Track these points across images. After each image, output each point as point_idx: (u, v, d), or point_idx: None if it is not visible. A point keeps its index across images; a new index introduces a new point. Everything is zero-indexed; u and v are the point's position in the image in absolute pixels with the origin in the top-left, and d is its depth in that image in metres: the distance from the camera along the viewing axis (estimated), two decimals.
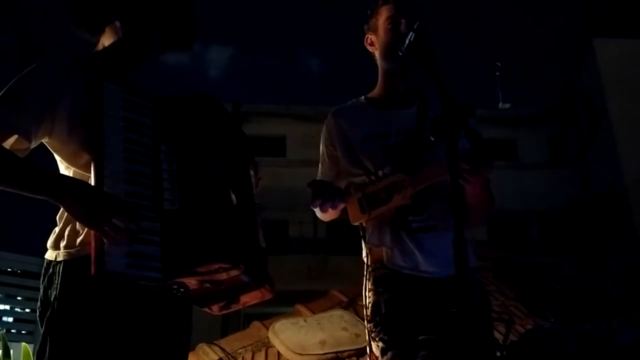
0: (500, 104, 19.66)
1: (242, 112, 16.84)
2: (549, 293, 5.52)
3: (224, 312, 1.63)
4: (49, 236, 1.55)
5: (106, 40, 1.66)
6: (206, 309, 1.62)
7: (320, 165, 2.12)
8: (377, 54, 2.10)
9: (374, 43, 2.10)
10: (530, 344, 1.76)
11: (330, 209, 1.92)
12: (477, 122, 2.07)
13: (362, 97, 2.14)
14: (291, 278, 12.85)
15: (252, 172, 1.74)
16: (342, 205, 1.94)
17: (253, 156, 1.78)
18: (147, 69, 1.75)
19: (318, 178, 2.10)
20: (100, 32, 1.67)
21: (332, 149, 2.08)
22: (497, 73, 20.79)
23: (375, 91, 2.13)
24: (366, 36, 2.13)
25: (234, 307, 1.62)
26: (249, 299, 1.60)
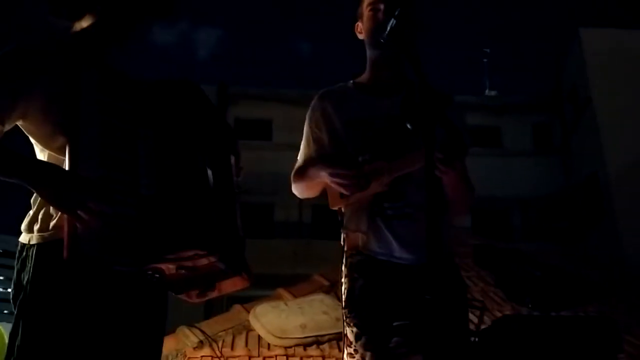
0: (487, 91, 19.70)
1: (228, 95, 16.74)
2: (528, 279, 5.57)
3: (201, 299, 1.62)
4: (30, 206, 1.54)
5: (84, 22, 1.63)
6: (183, 297, 1.62)
7: (303, 146, 2.13)
8: (365, 41, 2.10)
9: (362, 30, 2.10)
10: (503, 331, 1.79)
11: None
12: (461, 109, 2.09)
13: (350, 82, 2.15)
14: (277, 262, 12.88)
15: (232, 162, 1.73)
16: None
17: (236, 145, 1.77)
18: (133, 50, 1.73)
19: (300, 159, 2.12)
20: (79, 19, 1.65)
21: (317, 131, 2.09)
22: (485, 60, 20.82)
23: (363, 77, 2.14)
24: (356, 24, 2.13)
25: (210, 295, 1.61)
26: (225, 286, 1.61)
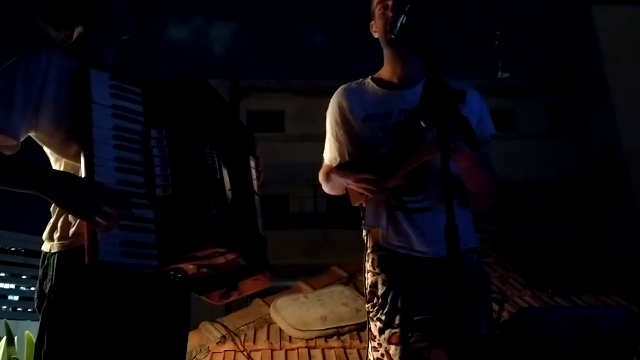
0: (500, 73, 19.52)
1: (240, 89, 16.75)
2: (547, 264, 5.58)
3: (224, 300, 1.63)
4: (50, 215, 1.54)
5: (80, 29, 1.65)
6: (206, 299, 1.62)
7: (327, 144, 2.17)
8: (379, 39, 2.12)
9: (376, 29, 2.11)
10: (521, 324, 1.79)
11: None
12: (479, 93, 2.10)
13: (369, 78, 2.16)
14: (292, 253, 12.94)
15: (253, 164, 1.73)
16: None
17: (254, 147, 1.76)
18: (147, 47, 1.73)
19: (326, 157, 2.16)
20: (72, 28, 1.66)
21: (337, 129, 2.11)
22: (497, 42, 20.63)
23: (381, 72, 2.15)
24: (371, 23, 2.14)
25: (234, 296, 1.62)
26: (248, 286, 1.61)
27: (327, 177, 2.13)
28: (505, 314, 3.76)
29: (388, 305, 1.87)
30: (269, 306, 4.79)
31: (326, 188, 2.16)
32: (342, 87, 2.17)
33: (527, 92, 17.26)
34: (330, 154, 2.15)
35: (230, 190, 1.52)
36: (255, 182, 1.73)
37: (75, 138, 1.45)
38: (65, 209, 1.41)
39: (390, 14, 1.98)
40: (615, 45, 14.59)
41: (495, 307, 3.25)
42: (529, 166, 15.80)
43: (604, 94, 14.89)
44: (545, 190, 16.31)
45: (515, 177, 15.45)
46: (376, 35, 2.12)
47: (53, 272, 1.44)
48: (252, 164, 1.74)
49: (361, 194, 1.97)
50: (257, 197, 1.69)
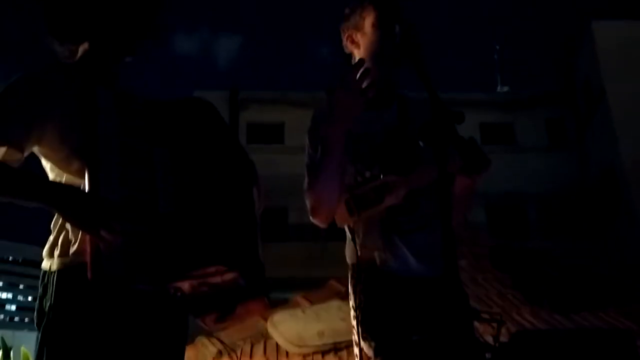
0: (499, 87, 19.58)
1: (240, 100, 16.80)
2: (546, 280, 5.56)
3: (218, 325, 1.63)
4: (49, 225, 1.55)
5: (86, 46, 1.66)
6: (200, 322, 1.62)
7: (309, 156, 2.01)
8: (357, 53, 2.04)
9: (358, 42, 2.03)
10: (519, 346, 1.78)
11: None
12: (474, 106, 2.08)
13: None
14: (291, 265, 12.90)
15: (255, 193, 1.72)
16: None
17: (255, 175, 1.76)
18: (149, 59, 1.74)
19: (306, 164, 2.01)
20: (79, 43, 1.67)
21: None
22: (496, 56, 20.70)
23: None
24: (347, 34, 2.05)
25: (229, 320, 1.62)
26: (245, 310, 1.61)
27: (310, 183, 1.95)
28: (503, 330, 3.73)
29: (383, 324, 1.85)
30: (266, 320, 4.76)
31: (315, 189, 1.93)
32: (321, 107, 2.04)
33: (527, 105, 17.31)
34: (311, 160, 1.97)
35: (232, 212, 1.54)
36: (256, 209, 1.73)
37: (78, 155, 1.46)
38: (70, 221, 1.42)
39: (381, 30, 1.96)
40: (614, 60, 14.66)
41: (493, 326, 3.24)
42: (528, 179, 15.81)
43: (603, 108, 14.94)
44: (544, 203, 16.30)
45: (515, 191, 15.47)
46: (352, 47, 2.04)
47: (53, 289, 1.44)
48: (255, 192, 1.73)
49: (350, 214, 1.91)
50: (257, 224, 1.70)
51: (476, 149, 1.63)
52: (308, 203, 2.01)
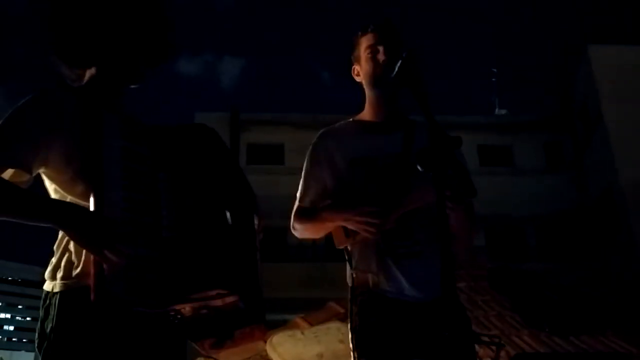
0: (497, 110, 19.70)
1: (241, 121, 16.88)
2: (545, 303, 5.55)
3: (214, 350, 1.64)
4: (49, 245, 1.56)
5: (93, 70, 1.68)
6: (198, 347, 1.63)
7: (303, 185, 2.13)
8: (363, 82, 2.14)
9: (359, 73, 2.13)
10: None
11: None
12: (472, 129, 2.13)
13: (351, 119, 2.18)
14: (291, 286, 12.86)
15: (256, 221, 1.74)
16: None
17: (256, 204, 1.78)
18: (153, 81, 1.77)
19: (300, 197, 2.13)
20: (86, 67, 1.69)
21: (319, 171, 2.10)
22: (494, 79, 20.86)
23: (363, 115, 2.16)
24: (352, 67, 2.16)
25: (226, 345, 1.62)
26: (242, 336, 1.62)
27: (305, 218, 2.10)
28: (503, 353, 3.73)
29: (379, 348, 1.86)
30: (265, 342, 4.75)
31: (300, 229, 2.11)
32: (325, 129, 2.17)
33: (524, 128, 17.40)
34: (306, 195, 2.11)
35: (233, 238, 1.55)
36: (257, 237, 1.74)
37: (83, 177, 1.48)
38: (76, 241, 1.43)
39: (382, 58, 2.02)
40: (611, 83, 14.79)
41: (492, 349, 3.24)
42: (527, 202, 15.82)
43: (601, 131, 15.03)
44: (543, 226, 16.30)
45: (513, 213, 15.48)
46: (357, 79, 2.15)
47: (54, 311, 1.45)
48: (255, 220, 1.75)
49: (347, 236, 1.97)
50: (257, 252, 1.71)
51: (464, 178, 1.65)
52: (293, 228, 2.15)
